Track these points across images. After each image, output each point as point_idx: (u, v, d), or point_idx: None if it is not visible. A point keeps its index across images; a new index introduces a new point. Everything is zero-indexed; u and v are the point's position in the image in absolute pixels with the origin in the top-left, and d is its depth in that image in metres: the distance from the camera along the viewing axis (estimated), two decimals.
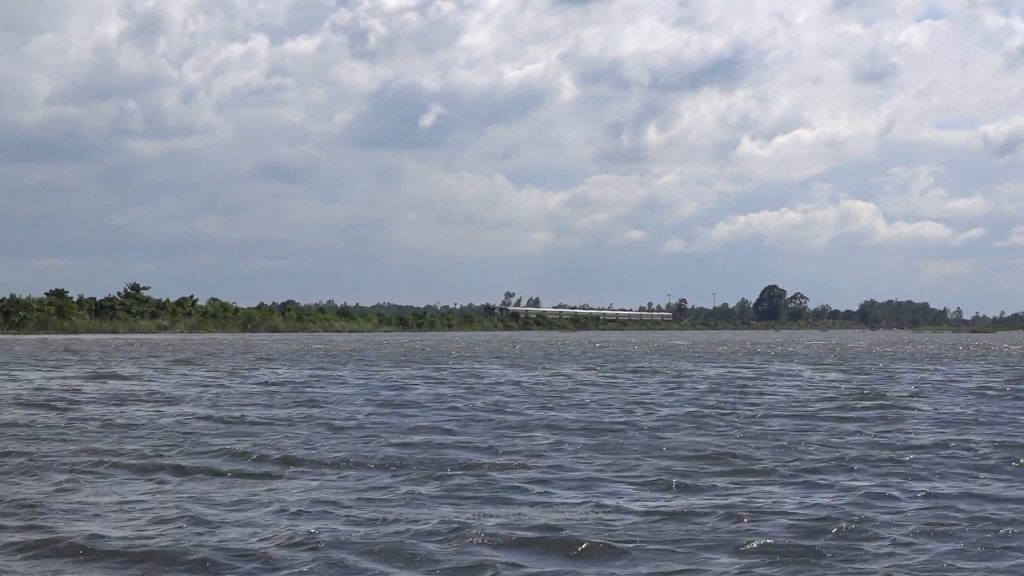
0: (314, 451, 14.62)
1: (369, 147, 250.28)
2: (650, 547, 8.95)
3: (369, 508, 10.56)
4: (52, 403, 22.36)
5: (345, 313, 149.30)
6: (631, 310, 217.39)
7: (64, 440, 15.96)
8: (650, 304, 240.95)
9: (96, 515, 10.37)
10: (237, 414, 19.81)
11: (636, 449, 14.93)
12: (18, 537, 9.34)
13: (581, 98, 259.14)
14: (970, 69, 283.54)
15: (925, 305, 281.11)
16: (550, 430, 17.26)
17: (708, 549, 8.94)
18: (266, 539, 9.19)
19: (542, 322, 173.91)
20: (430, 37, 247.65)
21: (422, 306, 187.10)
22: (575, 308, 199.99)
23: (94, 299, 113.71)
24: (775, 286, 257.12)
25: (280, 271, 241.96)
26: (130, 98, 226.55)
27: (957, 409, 21.35)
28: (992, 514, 10.35)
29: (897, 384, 29.67)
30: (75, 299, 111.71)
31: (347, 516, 10.14)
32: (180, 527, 9.73)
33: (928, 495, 11.28)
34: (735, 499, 11.02)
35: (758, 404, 22.60)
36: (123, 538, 9.28)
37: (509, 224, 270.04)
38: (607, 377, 33.17)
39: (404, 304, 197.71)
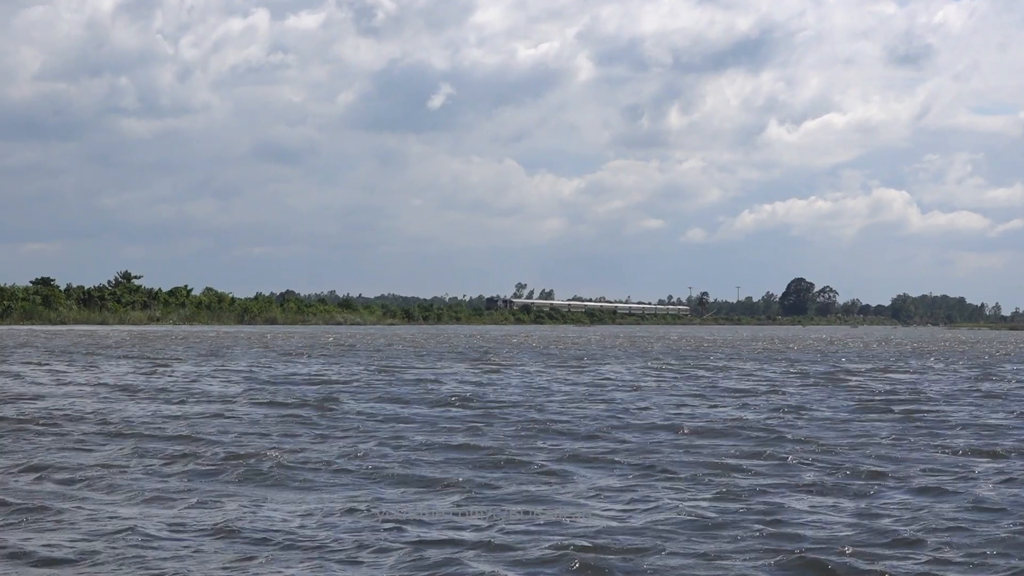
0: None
1: (373, 129, 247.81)
2: None
3: None
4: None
5: (347, 305, 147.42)
6: (650, 303, 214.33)
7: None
8: (670, 297, 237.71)
9: None
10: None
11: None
12: None
13: (598, 79, 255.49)
14: (1010, 52, 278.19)
15: (961, 300, 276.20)
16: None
17: None
18: None
19: (555, 315, 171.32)
20: (440, 13, 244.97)
21: (427, 297, 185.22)
22: (590, 301, 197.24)
23: (83, 288, 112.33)
24: (802, 279, 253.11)
25: (277, 258, 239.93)
26: (123, 75, 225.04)
27: None
28: None
29: None
30: (62, 288, 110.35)
31: None
32: None
33: None
34: None
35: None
36: None
37: (520, 211, 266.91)
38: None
39: (408, 295, 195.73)
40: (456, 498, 10.81)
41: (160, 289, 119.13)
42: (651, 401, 21.85)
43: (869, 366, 38.17)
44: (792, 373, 32.78)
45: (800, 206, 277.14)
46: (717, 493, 11.16)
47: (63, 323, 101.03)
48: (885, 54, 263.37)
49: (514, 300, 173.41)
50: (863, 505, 10.73)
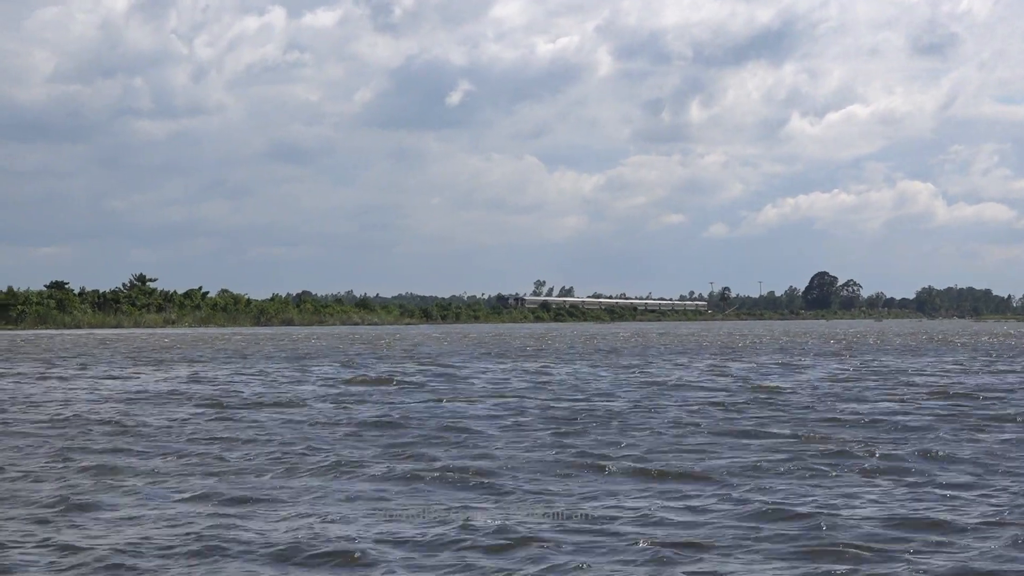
0: None
1: (390, 127, 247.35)
2: None
3: None
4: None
5: (365, 304, 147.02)
6: (671, 299, 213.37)
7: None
8: (691, 293, 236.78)
9: None
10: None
11: None
12: None
13: (618, 73, 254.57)
14: None
15: (987, 292, 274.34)
16: None
17: None
18: None
19: (575, 313, 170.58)
20: (457, 8, 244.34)
21: (445, 296, 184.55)
22: (610, 298, 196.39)
23: (97, 291, 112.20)
24: (825, 273, 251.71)
25: (292, 259, 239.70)
26: (137, 75, 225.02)
27: None
28: None
29: None
30: (76, 291, 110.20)
31: None
32: None
33: None
34: None
35: None
36: None
37: (540, 208, 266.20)
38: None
39: (426, 294, 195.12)
40: None
41: (175, 292, 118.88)
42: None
43: None
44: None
45: (823, 199, 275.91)
46: None
47: (77, 327, 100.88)
48: (909, 44, 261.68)
49: (526, 298, 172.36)
50: None
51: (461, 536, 9.18)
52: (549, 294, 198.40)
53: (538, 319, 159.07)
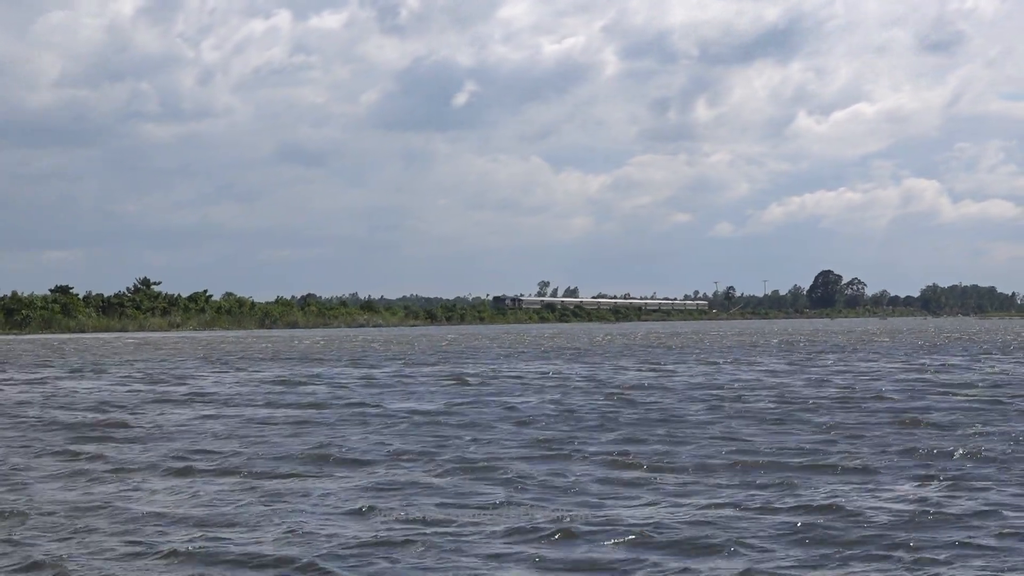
0: None
1: (397, 128, 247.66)
2: None
3: None
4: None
5: (369, 306, 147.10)
6: (672, 299, 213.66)
7: None
8: (696, 292, 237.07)
9: None
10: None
11: None
12: None
13: (625, 73, 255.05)
14: None
15: (992, 289, 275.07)
16: None
17: None
18: None
19: (580, 314, 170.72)
20: (465, 9, 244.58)
21: (450, 298, 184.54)
22: (614, 298, 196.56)
23: (101, 295, 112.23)
24: (830, 271, 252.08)
25: (299, 262, 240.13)
26: (144, 79, 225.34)
27: None
28: None
29: None
30: (81, 296, 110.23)
31: None
32: None
33: None
34: None
35: None
36: None
37: (546, 209, 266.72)
38: None
39: (432, 296, 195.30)
40: None
41: (179, 295, 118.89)
42: None
43: None
44: None
45: (829, 198, 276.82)
46: None
47: (82, 331, 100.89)
48: (916, 41, 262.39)
49: (523, 299, 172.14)
50: None
51: None
52: (554, 295, 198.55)
53: (543, 320, 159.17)
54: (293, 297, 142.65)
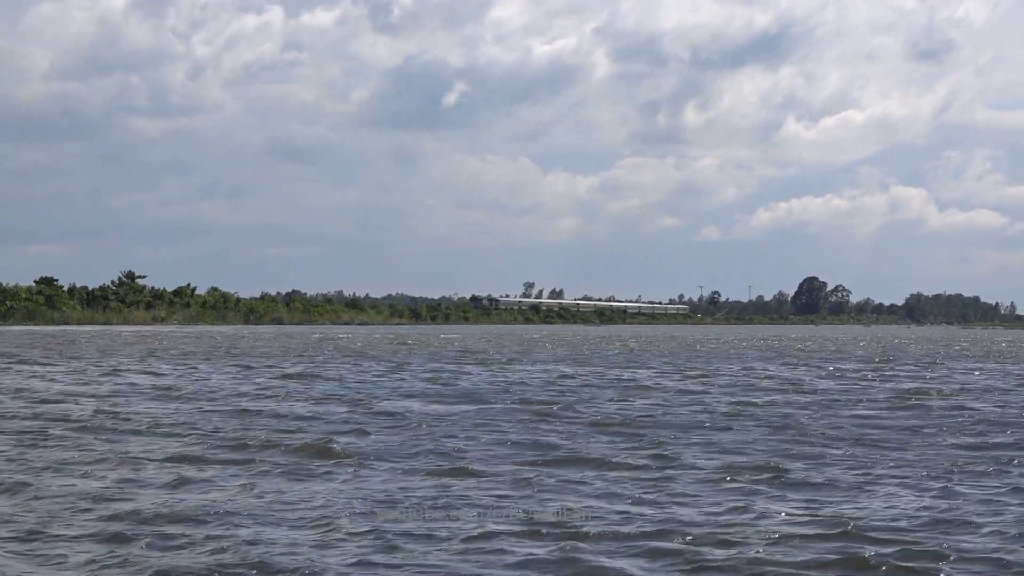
0: None
1: (387, 127, 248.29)
2: None
3: None
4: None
5: (354, 304, 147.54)
6: (652, 303, 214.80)
7: None
8: (681, 296, 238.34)
9: None
10: None
11: None
12: None
13: (615, 75, 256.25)
14: None
15: (976, 299, 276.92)
16: None
17: None
18: None
19: (564, 315, 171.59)
20: (457, 9, 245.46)
21: (435, 297, 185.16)
22: (599, 300, 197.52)
23: (86, 288, 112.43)
24: (815, 278, 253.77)
25: (286, 259, 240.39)
26: (134, 73, 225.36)
27: None
28: None
29: None
30: (66, 288, 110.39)
31: None
32: None
33: None
34: None
35: None
36: None
37: (534, 210, 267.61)
38: None
39: (418, 295, 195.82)
40: None
41: (164, 289, 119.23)
42: None
43: None
44: None
45: (816, 204, 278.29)
46: None
47: (66, 323, 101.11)
48: (906, 49, 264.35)
49: (499, 299, 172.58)
50: None
51: None
52: (539, 296, 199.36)
53: (528, 321, 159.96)
54: (279, 293, 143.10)
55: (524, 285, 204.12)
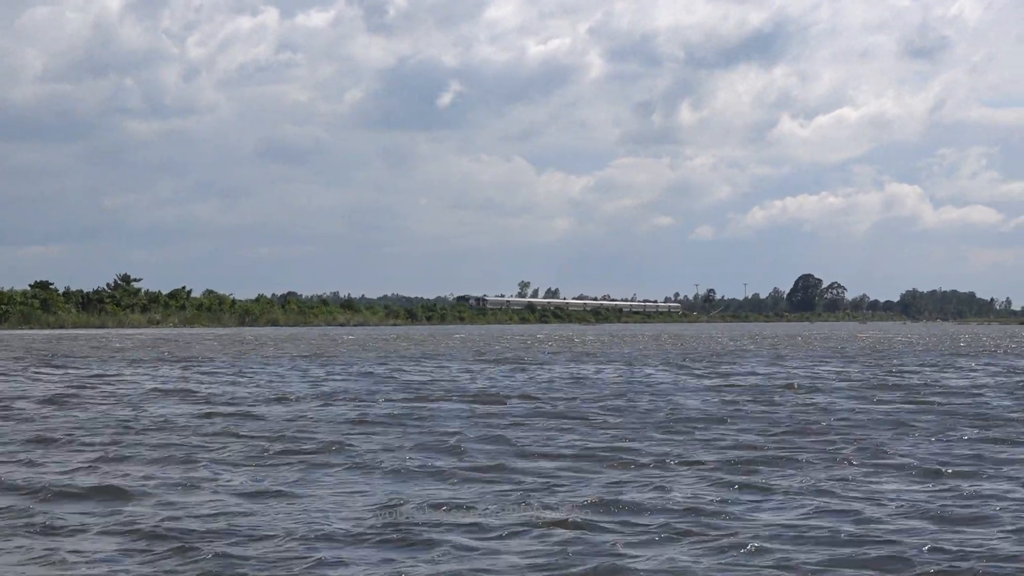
0: None
1: (380, 127, 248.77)
2: None
3: None
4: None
5: (350, 305, 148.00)
6: (656, 301, 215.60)
7: None
8: (676, 295, 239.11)
9: None
10: None
11: None
12: None
13: (609, 75, 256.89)
14: None
15: (971, 295, 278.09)
16: None
17: None
18: None
19: (560, 314, 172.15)
20: (452, 9, 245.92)
21: (431, 298, 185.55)
22: (594, 299, 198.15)
23: (81, 291, 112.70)
24: (810, 275, 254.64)
25: (281, 259, 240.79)
26: (128, 75, 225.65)
27: None
28: None
29: None
30: (61, 291, 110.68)
31: None
32: None
33: None
34: None
35: None
36: None
37: (529, 210, 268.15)
38: None
39: (413, 296, 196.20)
40: None
41: (160, 292, 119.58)
42: None
43: None
44: None
45: (811, 202, 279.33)
46: None
47: (62, 327, 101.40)
48: (900, 47, 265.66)
49: (488, 299, 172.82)
50: None
51: None
52: (534, 295, 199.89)
53: (523, 320, 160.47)
54: (274, 295, 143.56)
55: (519, 285, 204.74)
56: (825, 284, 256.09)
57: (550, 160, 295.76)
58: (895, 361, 41.41)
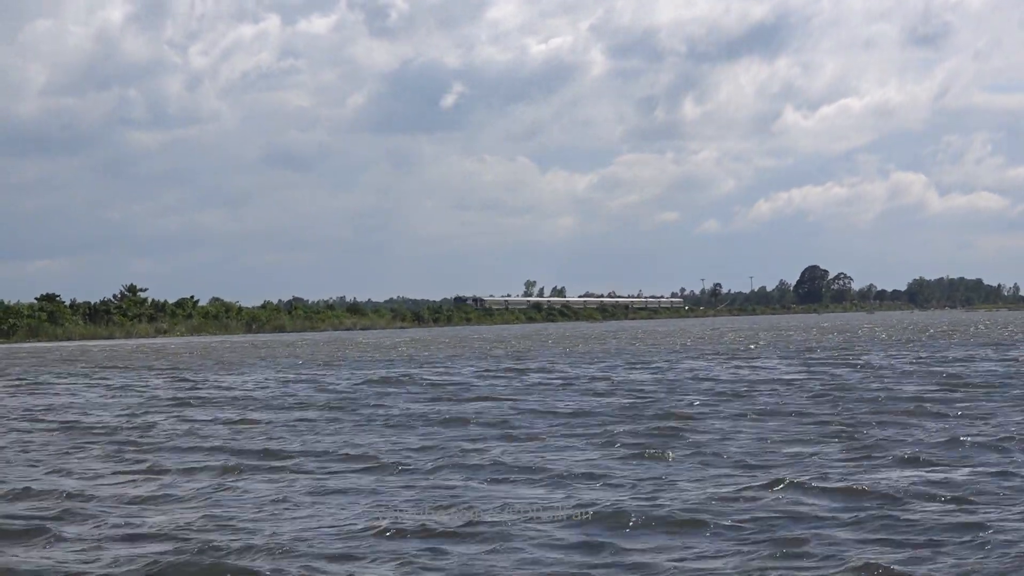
0: None
1: (384, 131, 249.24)
2: None
3: None
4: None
5: (356, 310, 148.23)
6: (663, 296, 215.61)
7: None
8: (682, 290, 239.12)
9: None
10: None
11: None
12: None
13: (612, 72, 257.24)
14: None
15: (978, 281, 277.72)
16: None
17: None
18: None
19: (567, 313, 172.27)
20: (453, 10, 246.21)
21: (438, 299, 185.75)
22: (601, 296, 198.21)
23: (88, 303, 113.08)
24: (816, 266, 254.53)
25: (286, 266, 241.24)
26: (131, 86, 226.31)
27: None
28: None
29: None
30: (68, 303, 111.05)
31: None
32: None
33: None
34: None
35: None
36: None
37: (533, 209, 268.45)
38: None
39: (419, 297, 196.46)
40: None
41: (166, 301, 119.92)
42: None
43: None
44: None
45: (816, 193, 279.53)
46: None
47: (69, 339, 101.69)
48: (903, 35, 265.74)
49: (485, 299, 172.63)
50: None
51: None
52: (540, 294, 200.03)
53: (530, 320, 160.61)
54: (280, 301, 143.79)
55: (525, 284, 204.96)
56: (832, 275, 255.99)
57: (554, 159, 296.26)
58: None
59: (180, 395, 28.24)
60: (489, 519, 11.07)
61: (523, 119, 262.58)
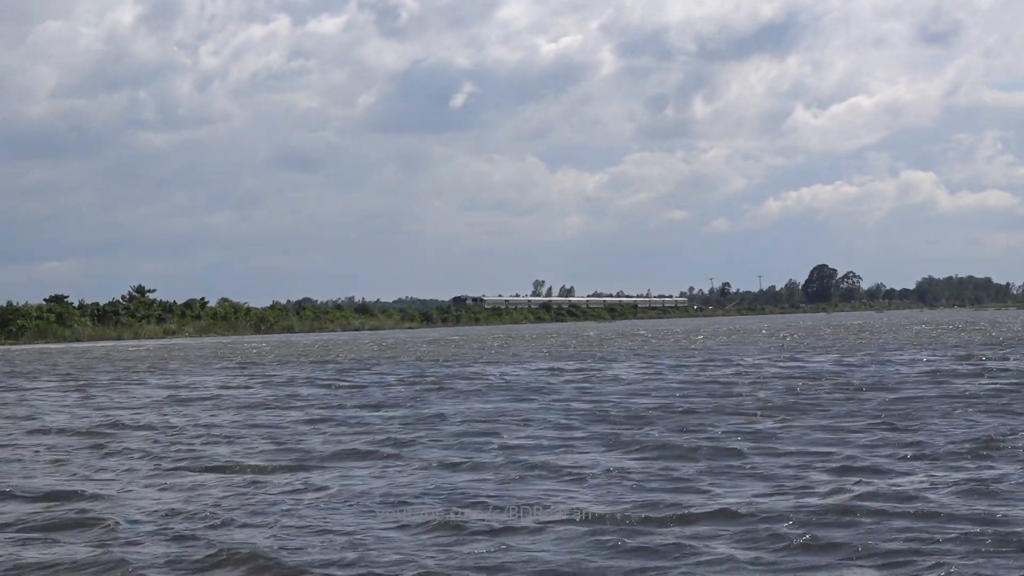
0: None
1: (393, 131, 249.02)
2: None
3: None
4: None
5: (365, 310, 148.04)
6: (670, 296, 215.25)
7: None
8: (691, 289, 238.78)
9: None
10: None
11: None
12: None
13: (621, 71, 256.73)
14: None
15: (987, 280, 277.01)
16: None
17: None
18: None
19: (576, 312, 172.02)
20: (463, 10, 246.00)
21: (446, 299, 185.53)
22: (610, 296, 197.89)
23: (96, 304, 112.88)
24: (825, 265, 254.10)
25: (295, 267, 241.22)
26: (141, 88, 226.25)
27: None
28: None
29: None
30: (76, 304, 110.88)
31: None
32: None
33: None
34: None
35: None
36: None
37: (542, 208, 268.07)
38: None
39: (427, 298, 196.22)
40: None
41: (174, 302, 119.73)
42: None
43: None
44: None
45: (826, 191, 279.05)
46: None
47: (78, 340, 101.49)
48: (914, 33, 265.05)
49: (484, 299, 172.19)
50: None
51: None
52: (549, 294, 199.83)
53: (539, 319, 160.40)
54: (288, 302, 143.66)
55: (534, 284, 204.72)
56: (841, 274, 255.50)
57: (563, 158, 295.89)
58: None
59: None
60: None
61: (533, 118, 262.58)
